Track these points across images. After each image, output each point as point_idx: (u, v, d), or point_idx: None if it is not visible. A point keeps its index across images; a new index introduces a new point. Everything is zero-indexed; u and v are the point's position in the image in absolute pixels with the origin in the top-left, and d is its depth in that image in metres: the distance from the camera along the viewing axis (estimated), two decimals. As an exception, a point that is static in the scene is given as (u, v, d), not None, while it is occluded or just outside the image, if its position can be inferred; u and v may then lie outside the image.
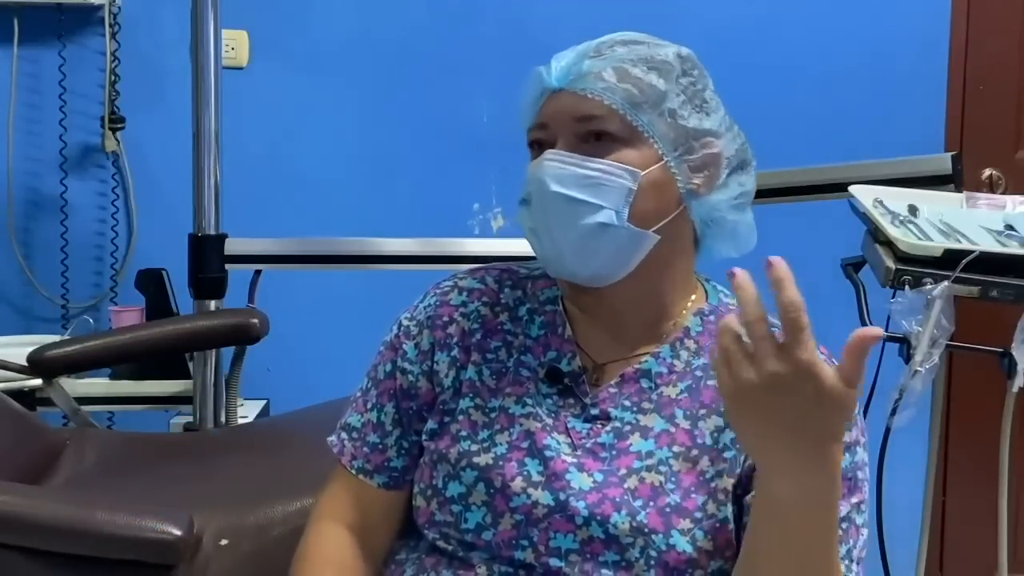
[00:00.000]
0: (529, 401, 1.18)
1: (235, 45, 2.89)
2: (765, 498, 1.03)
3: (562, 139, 1.15)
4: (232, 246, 2.45)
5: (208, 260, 2.44)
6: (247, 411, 2.60)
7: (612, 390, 1.18)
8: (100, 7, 2.87)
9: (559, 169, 1.13)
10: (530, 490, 1.14)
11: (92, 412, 2.34)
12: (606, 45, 1.17)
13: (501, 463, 1.15)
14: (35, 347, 2.16)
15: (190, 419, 2.47)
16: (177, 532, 1.50)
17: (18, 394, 2.26)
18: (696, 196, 1.17)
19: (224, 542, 1.58)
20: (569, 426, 1.17)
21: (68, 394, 2.22)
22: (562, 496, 1.13)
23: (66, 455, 1.98)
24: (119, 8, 2.89)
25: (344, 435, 1.28)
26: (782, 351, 0.92)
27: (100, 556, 1.51)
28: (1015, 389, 1.82)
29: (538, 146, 1.18)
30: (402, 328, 1.26)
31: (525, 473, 1.15)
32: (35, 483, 1.83)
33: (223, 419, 2.45)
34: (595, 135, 1.14)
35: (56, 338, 2.44)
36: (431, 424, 1.22)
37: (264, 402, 2.71)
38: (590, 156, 1.13)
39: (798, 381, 0.92)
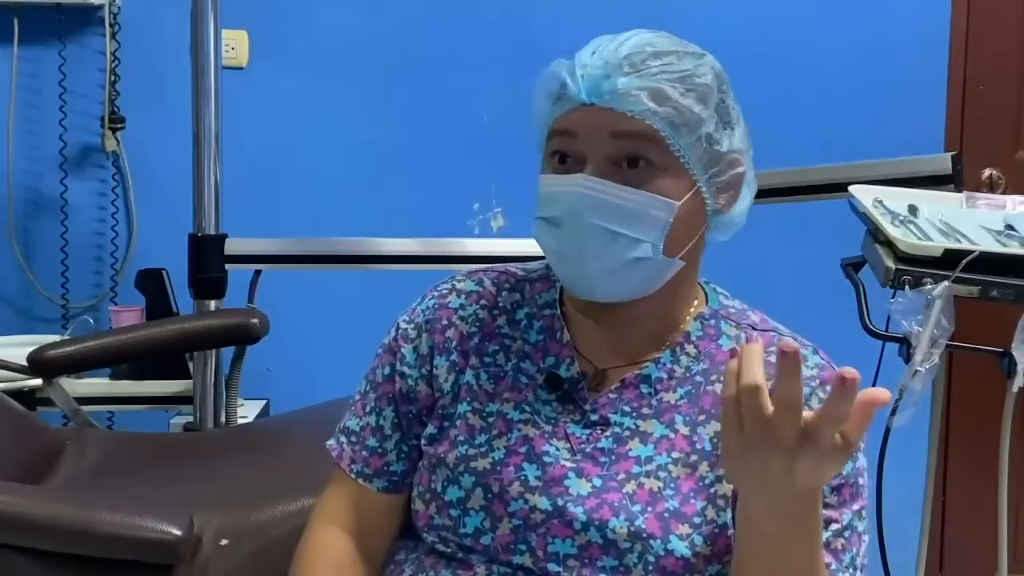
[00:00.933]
0: (527, 408, 1.18)
1: (235, 45, 2.89)
2: (748, 523, 1.04)
3: (594, 157, 1.10)
4: (232, 246, 2.45)
5: (208, 260, 2.44)
6: (247, 411, 2.60)
7: (612, 396, 1.17)
8: (100, 7, 2.87)
9: (596, 197, 1.09)
10: (528, 495, 1.13)
11: (92, 412, 2.34)
12: (638, 58, 1.11)
13: (499, 468, 1.15)
14: (35, 347, 2.16)
15: (190, 419, 2.47)
16: (177, 532, 1.50)
17: (18, 394, 2.26)
18: (720, 214, 1.16)
19: (224, 542, 1.58)
20: (568, 432, 1.16)
21: (68, 394, 2.22)
22: (560, 501, 1.13)
23: (66, 455, 1.98)
24: (119, 8, 2.89)
25: (343, 439, 1.27)
26: (803, 430, 0.92)
27: (100, 556, 1.50)
28: (1015, 389, 1.82)
29: (561, 157, 1.13)
30: (400, 331, 1.25)
31: (523, 478, 1.14)
32: (35, 483, 1.83)
33: (223, 419, 2.45)
34: (632, 160, 1.10)
35: (56, 338, 2.44)
36: (430, 429, 1.21)
37: (264, 402, 2.70)
38: (626, 184, 1.10)
39: (804, 451, 0.92)
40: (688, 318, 1.20)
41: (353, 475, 1.25)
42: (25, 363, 2.14)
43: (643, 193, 1.10)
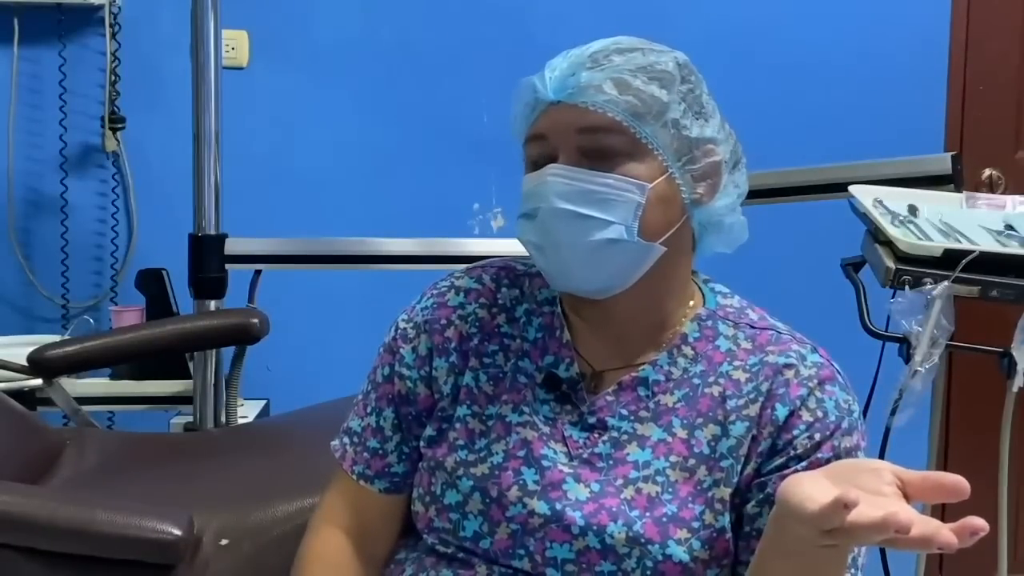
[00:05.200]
0: (526, 409, 1.17)
1: (235, 45, 2.89)
2: (784, 537, 0.97)
3: (563, 152, 1.12)
4: (232, 246, 2.45)
5: (208, 260, 2.44)
6: (247, 411, 2.60)
7: (609, 398, 1.17)
8: (100, 7, 2.87)
9: (565, 184, 1.11)
10: (526, 500, 1.13)
11: (92, 412, 2.34)
12: (602, 54, 1.14)
13: (497, 472, 1.15)
14: (35, 347, 2.16)
15: (190, 419, 2.47)
16: (177, 532, 1.50)
17: (18, 394, 2.25)
18: (699, 205, 1.15)
19: (224, 542, 1.58)
20: (566, 435, 1.16)
21: (68, 394, 2.22)
22: (558, 506, 1.12)
23: (66, 455, 1.98)
24: (119, 8, 2.89)
25: (346, 439, 1.27)
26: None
27: (100, 556, 1.50)
28: (1015, 389, 1.82)
29: (536, 160, 1.15)
30: (399, 331, 1.25)
31: (521, 482, 1.14)
32: (35, 483, 1.83)
33: (223, 419, 2.45)
34: (599, 149, 1.11)
35: (56, 338, 2.44)
36: (429, 431, 1.21)
37: (264, 402, 2.70)
38: (595, 171, 1.11)
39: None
40: (685, 319, 1.20)
41: (355, 476, 1.25)
42: (25, 363, 2.14)
43: (612, 176, 1.11)
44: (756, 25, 2.97)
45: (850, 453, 1.13)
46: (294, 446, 1.98)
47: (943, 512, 3.22)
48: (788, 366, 1.15)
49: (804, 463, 1.11)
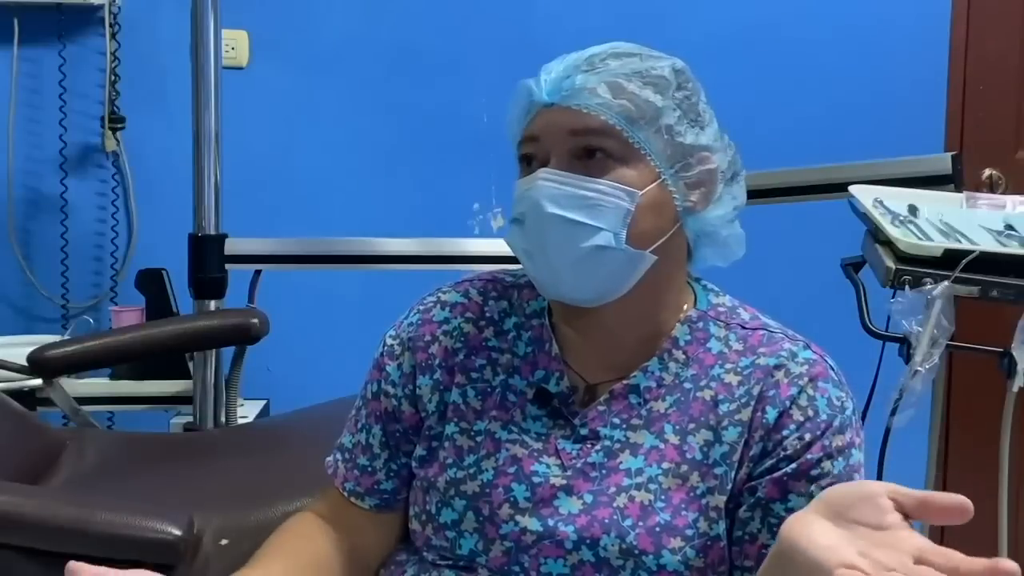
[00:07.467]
0: (515, 428, 1.16)
1: (235, 45, 2.89)
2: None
3: (555, 155, 1.11)
4: (232, 246, 2.45)
5: (208, 260, 2.44)
6: (247, 411, 2.60)
7: (601, 408, 1.15)
8: (100, 7, 2.87)
9: (554, 189, 1.09)
10: (518, 517, 1.12)
11: (92, 412, 2.34)
12: (598, 58, 1.13)
13: (488, 490, 1.14)
14: (35, 347, 2.16)
15: (190, 419, 2.47)
16: (177, 532, 1.50)
17: (18, 394, 2.26)
18: (692, 213, 1.14)
19: (224, 542, 1.58)
20: (559, 447, 1.15)
21: (68, 394, 2.22)
22: (550, 522, 1.12)
23: (66, 455, 1.98)
24: (119, 8, 2.90)
25: (338, 455, 1.27)
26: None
27: (100, 556, 1.50)
28: (1015, 389, 1.82)
29: (528, 162, 1.14)
30: (386, 348, 1.24)
31: (512, 499, 1.13)
32: (35, 483, 1.83)
33: (223, 419, 2.45)
34: (590, 152, 1.10)
35: (56, 338, 2.44)
36: (419, 451, 1.20)
37: (264, 402, 2.71)
38: (586, 175, 1.10)
39: None
40: (676, 324, 1.18)
41: (345, 493, 1.25)
42: (25, 363, 2.14)
43: (602, 182, 1.09)
44: (756, 25, 2.96)
45: (842, 452, 1.11)
46: (294, 446, 1.98)
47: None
48: (779, 367, 1.13)
49: (794, 464, 1.09)
